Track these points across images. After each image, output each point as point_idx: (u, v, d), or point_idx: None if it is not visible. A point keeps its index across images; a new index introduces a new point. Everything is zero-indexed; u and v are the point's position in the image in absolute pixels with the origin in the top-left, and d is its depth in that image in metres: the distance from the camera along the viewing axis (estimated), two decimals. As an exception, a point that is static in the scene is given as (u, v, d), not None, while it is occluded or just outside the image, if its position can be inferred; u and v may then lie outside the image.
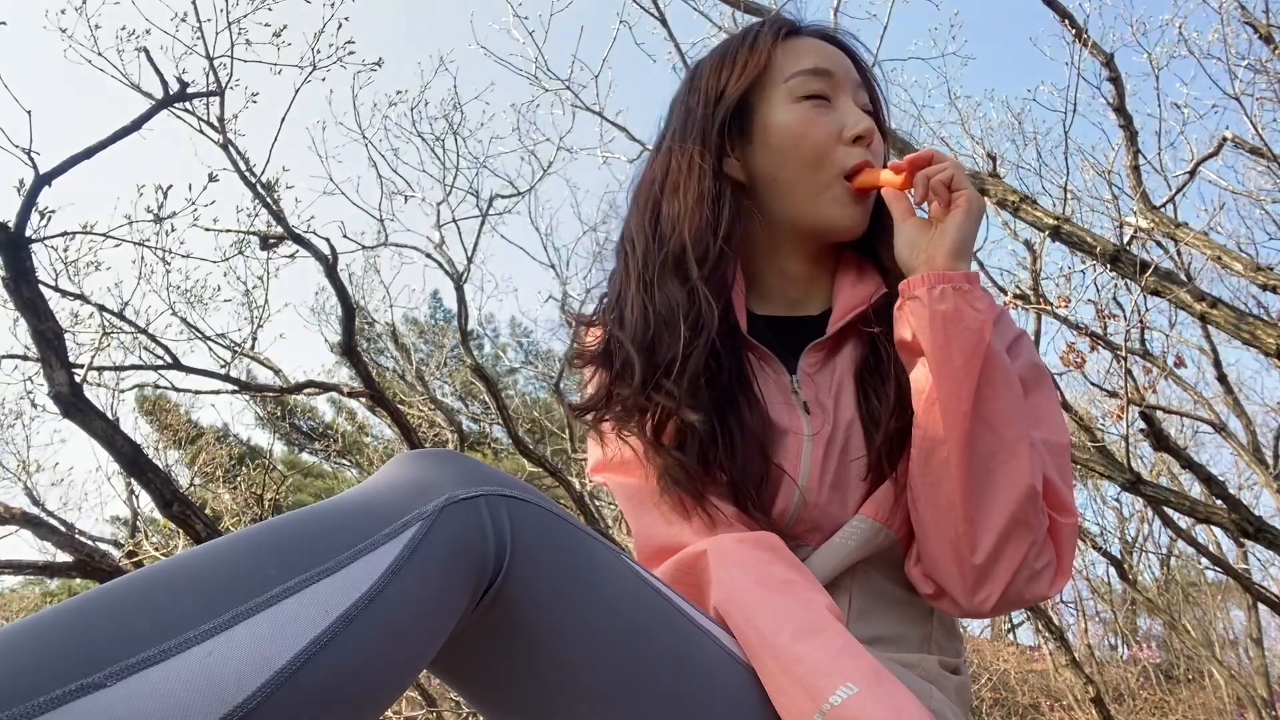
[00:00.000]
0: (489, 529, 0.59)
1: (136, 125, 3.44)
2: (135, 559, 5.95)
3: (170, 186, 4.12)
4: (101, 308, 4.58)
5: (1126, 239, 4.47)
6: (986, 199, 4.48)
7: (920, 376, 0.81)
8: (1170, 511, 5.56)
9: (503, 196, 6.07)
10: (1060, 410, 0.89)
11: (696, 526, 0.85)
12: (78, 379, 3.20)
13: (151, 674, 0.44)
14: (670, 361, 0.86)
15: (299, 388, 5.42)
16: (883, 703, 0.64)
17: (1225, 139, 4.63)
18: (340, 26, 4.42)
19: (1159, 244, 5.15)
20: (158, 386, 5.71)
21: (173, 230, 4.61)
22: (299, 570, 0.51)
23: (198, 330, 5.30)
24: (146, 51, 3.64)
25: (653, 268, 0.90)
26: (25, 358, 4.67)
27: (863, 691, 0.64)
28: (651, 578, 0.70)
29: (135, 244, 4.52)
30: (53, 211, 3.60)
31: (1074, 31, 4.36)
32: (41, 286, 3.24)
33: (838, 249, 0.97)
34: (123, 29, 3.99)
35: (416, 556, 0.55)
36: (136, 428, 8.76)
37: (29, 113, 3.14)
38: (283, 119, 4.36)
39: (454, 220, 5.95)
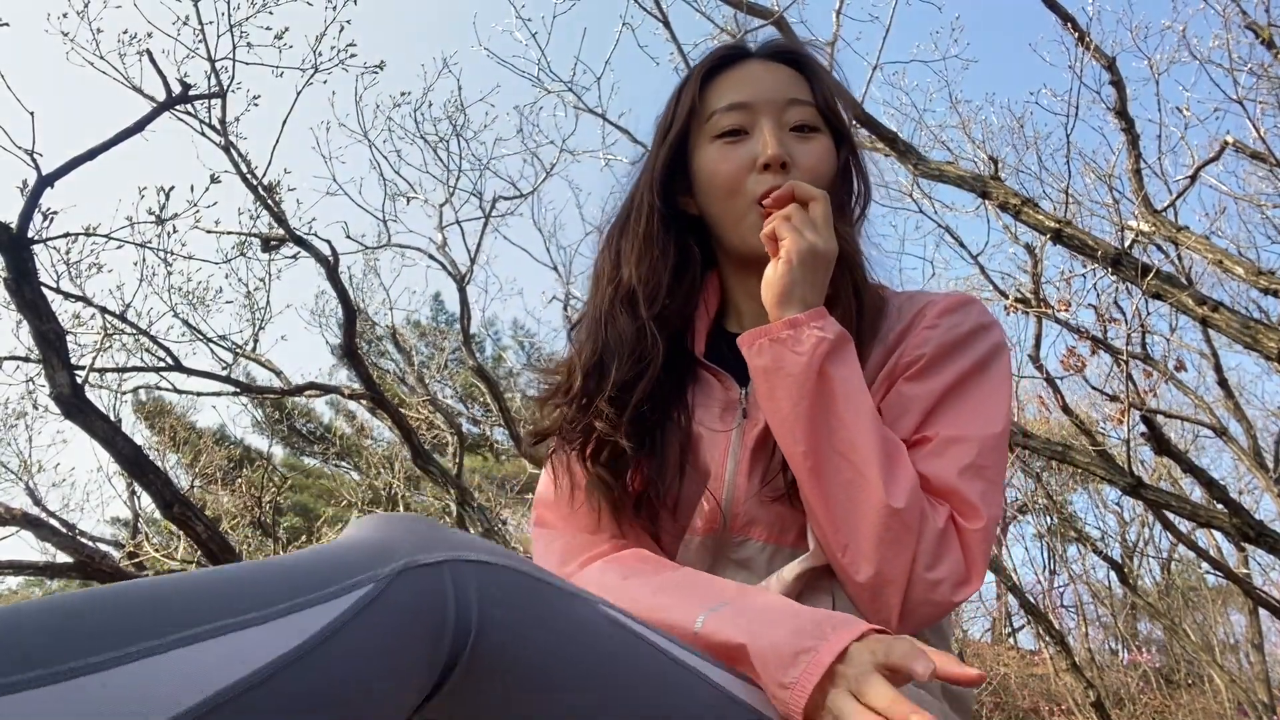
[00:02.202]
0: (450, 596, 0.57)
1: (139, 127, 3.45)
2: (136, 560, 5.95)
3: (172, 188, 4.13)
4: (103, 309, 4.59)
5: (1128, 243, 4.47)
6: (987, 201, 4.48)
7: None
8: (1171, 515, 5.56)
9: (505, 198, 6.08)
10: (1000, 403, 0.88)
11: (607, 538, 0.94)
12: (79, 380, 3.20)
13: (27, 697, 0.41)
14: (611, 388, 0.93)
15: (300, 389, 5.42)
16: (743, 615, 0.71)
17: (1226, 143, 4.63)
18: (342, 30, 4.43)
19: (1160, 248, 5.15)
20: (158, 388, 5.72)
21: (174, 232, 4.63)
22: (224, 615, 0.49)
23: (199, 332, 5.31)
24: (149, 54, 3.65)
25: (609, 302, 0.99)
26: (27, 359, 4.67)
27: (732, 605, 0.73)
28: (629, 621, 0.68)
29: (137, 245, 4.53)
30: (55, 213, 3.61)
31: (1076, 35, 4.37)
32: (43, 288, 3.25)
33: None
34: (124, 32, 4.01)
35: (363, 618, 0.53)
36: (135, 430, 8.77)
37: (32, 114, 3.15)
38: (284, 121, 4.37)
39: (457, 221, 5.96)
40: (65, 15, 3.99)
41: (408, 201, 6.04)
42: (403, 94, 5.92)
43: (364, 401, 5.39)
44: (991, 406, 0.88)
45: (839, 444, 0.80)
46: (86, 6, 3.97)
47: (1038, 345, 5.11)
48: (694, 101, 0.99)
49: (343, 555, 0.57)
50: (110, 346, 5.04)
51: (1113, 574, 8.94)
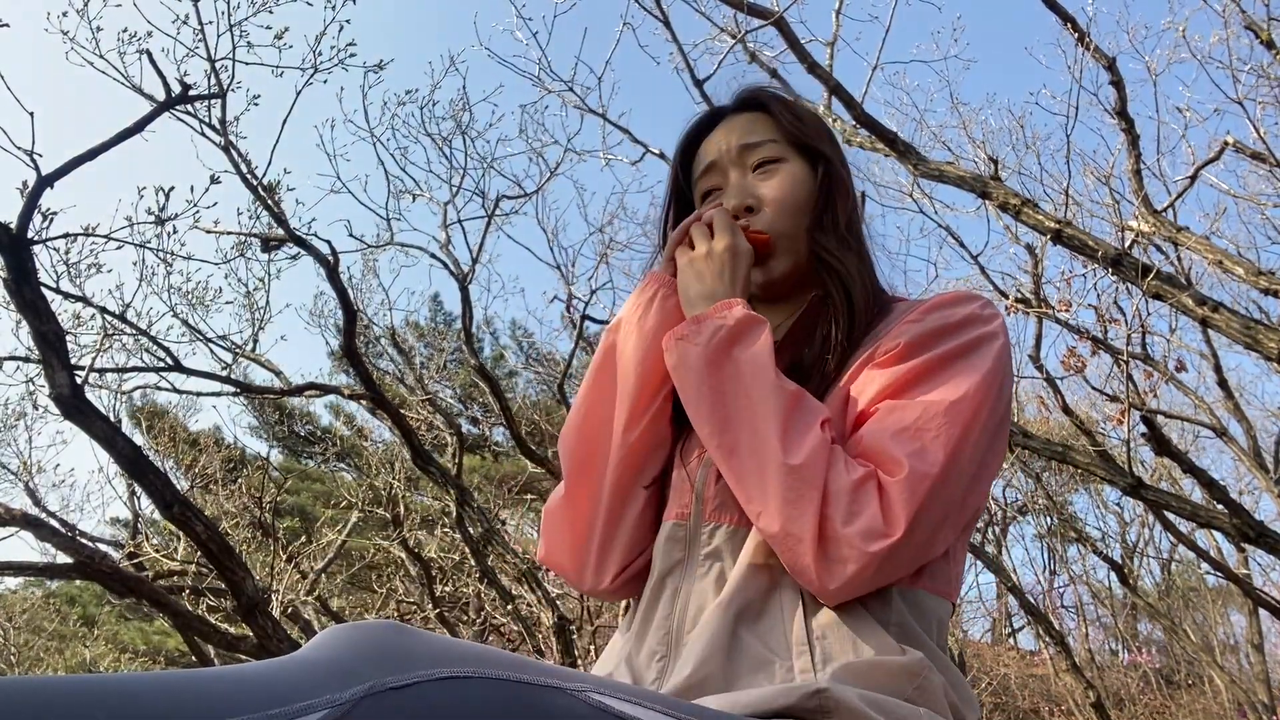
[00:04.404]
0: None
1: (139, 127, 3.45)
2: (136, 560, 5.94)
3: (172, 189, 4.13)
4: (103, 310, 4.59)
5: (1128, 243, 4.47)
6: (987, 201, 4.48)
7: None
8: (1171, 516, 5.57)
9: (509, 197, 6.07)
10: (968, 379, 0.86)
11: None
12: (79, 381, 3.20)
13: None
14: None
15: (300, 390, 5.42)
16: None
17: (1226, 144, 4.64)
18: (342, 29, 4.43)
19: (1160, 248, 5.16)
20: (158, 388, 5.71)
21: (174, 232, 4.63)
22: None
23: (199, 332, 5.30)
24: (149, 54, 3.65)
25: None
26: (27, 359, 4.67)
27: None
28: (619, 704, 0.64)
29: (137, 246, 4.53)
30: (55, 213, 3.61)
31: (1076, 36, 4.37)
32: (43, 288, 3.24)
33: (800, 281, 1.06)
34: (124, 31, 4.01)
35: None
36: (131, 436, 8.75)
37: (32, 114, 3.14)
38: (284, 121, 4.36)
39: (459, 220, 5.95)
40: (65, 14, 3.98)
41: (413, 199, 6.02)
42: (408, 92, 5.90)
43: (364, 402, 5.39)
44: (957, 382, 0.86)
45: (744, 415, 0.85)
46: (86, 6, 3.96)
47: (1038, 345, 5.11)
48: (679, 175, 1.12)
49: (297, 674, 0.52)
50: (110, 347, 5.05)
51: (1113, 574, 8.95)
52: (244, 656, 4.12)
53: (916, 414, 0.83)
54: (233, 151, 4.27)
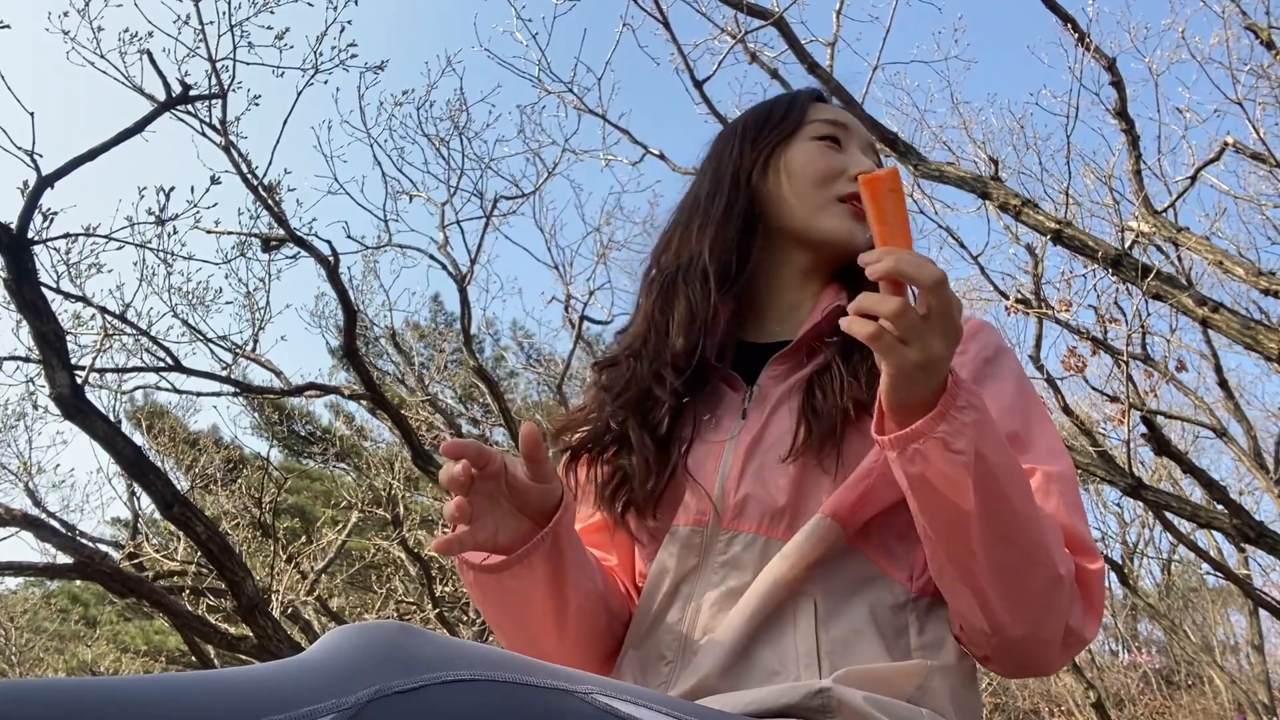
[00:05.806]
0: None
1: (139, 127, 3.45)
2: (135, 560, 5.95)
3: (172, 189, 4.13)
4: (103, 310, 4.59)
5: (1128, 243, 4.47)
6: (988, 202, 4.48)
7: (916, 514, 0.80)
8: (1171, 516, 5.56)
9: (507, 198, 6.08)
10: (1055, 433, 0.90)
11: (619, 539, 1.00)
12: (79, 381, 3.20)
13: None
14: (671, 356, 0.98)
15: (300, 390, 5.42)
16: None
17: (1227, 144, 4.64)
18: (343, 30, 4.43)
19: (1160, 249, 5.16)
20: (158, 388, 5.72)
21: (174, 233, 4.63)
22: None
23: (199, 332, 5.30)
24: (149, 54, 3.65)
25: (675, 275, 1.03)
26: (27, 359, 4.67)
27: None
28: (624, 705, 0.64)
29: (137, 246, 4.53)
30: (55, 213, 3.61)
31: (1076, 36, 4.37)
32: (43, 288, 3.25)
33: (829, 276, 1.04)
34: (125, 31, 4.01)
35: None
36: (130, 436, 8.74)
37: (32, 114, 3.15)
38: (285, 121, 4.37)
39: (458, 221, 5.96)
40: (66, 14, 3.99)
41: (410, 200, 6.04)
42: (405, 92, 5.91)
43: (364, 402, 5.39)
44: (1055, 432, 0.90)
45: (1002, 529, 0.75)
46: (87, 5, 3.97)
47: (1038, 346, 5.12)
48: (801, 115, 1.08)
49: (303, 677, 0.52)
50: (110, 347, 5.05)
51: (1113, 575, 8.94)
52: (244, 656, 4.12)
53: (1071, 485, 0.86)
54: (233, 152, 4.28)
